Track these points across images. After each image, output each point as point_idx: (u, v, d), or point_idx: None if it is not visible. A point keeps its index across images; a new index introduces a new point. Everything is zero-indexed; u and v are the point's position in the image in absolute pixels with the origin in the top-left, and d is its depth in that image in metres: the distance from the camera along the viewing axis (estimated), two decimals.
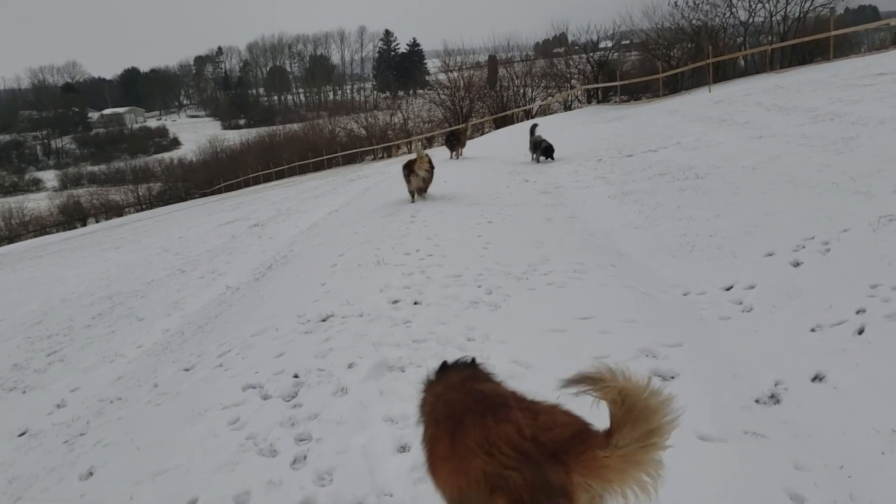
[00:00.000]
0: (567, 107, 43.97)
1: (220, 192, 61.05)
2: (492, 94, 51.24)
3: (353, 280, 7.63)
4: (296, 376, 5.00)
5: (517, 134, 25.70)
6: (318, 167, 53.46)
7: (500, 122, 45.34)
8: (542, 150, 18.06)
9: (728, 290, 6.61)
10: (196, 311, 8.95)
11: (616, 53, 47.61)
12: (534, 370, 4.69)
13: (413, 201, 12.76)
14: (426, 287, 6.94)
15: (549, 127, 25.82)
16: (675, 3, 38.48)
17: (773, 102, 17.24)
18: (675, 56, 40.30)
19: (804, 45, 31.90)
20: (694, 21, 38.47)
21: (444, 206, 12.07)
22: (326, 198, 19.85)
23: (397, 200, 13.69)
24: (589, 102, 43.29)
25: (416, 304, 6.48)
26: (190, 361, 6.28)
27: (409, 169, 12.64)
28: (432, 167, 12.56)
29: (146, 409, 5.31)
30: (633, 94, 41.61)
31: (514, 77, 51.53)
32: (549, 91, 49.81)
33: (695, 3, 37.55)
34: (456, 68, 53.74)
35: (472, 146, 25.13)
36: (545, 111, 45.62)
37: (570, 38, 53.59)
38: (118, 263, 15.07)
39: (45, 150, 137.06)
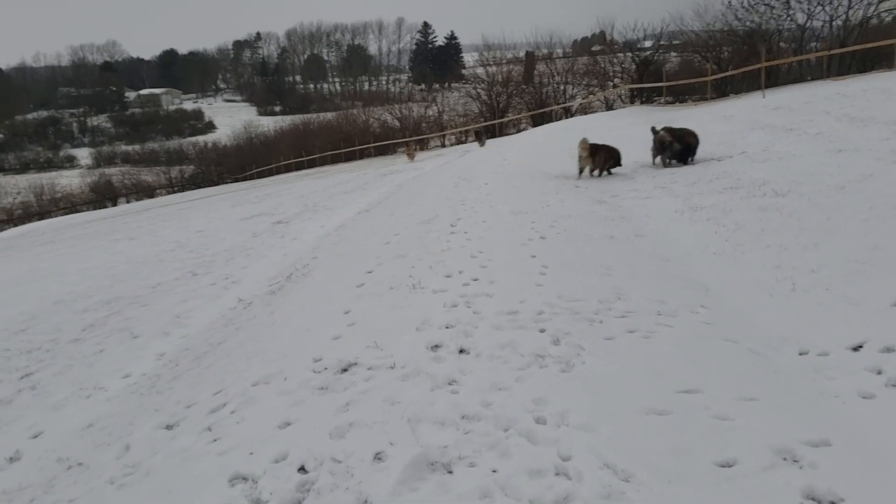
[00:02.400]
0: (609, 106, 42.30)
1: (251, 178, 60.25)
2: (530, 90, 49.65)
3: (383, 310, 6.28)
4: (302, 469, 3.63)
5: (559, 133, 24.21)
6: (349, 157, 52.31)
7: (539, 120, 43.79)
8: (672, 152, 13.93)
9: (857, 350, 5.18)
10: (199, 332, 7.66)
11: (661, 53, 45.66)
12: (638, 486, 3.30)
13: (579, 177, 14.36)
14: (474, 327, 5.57)
15: (594, 127, 24.33)
16: (729, 3, 36.65)
17: (842, 112, 15.62)
18: (725, 58, 38.41)
19: (864, 52, 29.95)
20: (748, 22, 36.62)
21: (487, 213, 10.72)
22: (356, 193, 18.59)
23: (434, 202, 12.35)
24: (632, 102, 41.56)
25: (462, 352, 5.11)
26: (175, 414, 4.98)
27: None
28: (593, 148, 14.24)
29: (105, 491, 4.00)
30: (678, 95, 39.78)
31: (555, 73, 49.80)
32: (591, 89, 48.07)
33: (749, 4, 35.72)
34: (494, 63, 52.23)
35: (509, 144, 23.72)
36: (585, 110, 43.99)
37: (616, 36, 51.82)
38: (127, 259, 13.82)
39: (81, 127, 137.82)
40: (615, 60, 46.79)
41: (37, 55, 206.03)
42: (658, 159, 14.65)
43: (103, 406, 5.85)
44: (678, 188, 11.94)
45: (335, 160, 53.60)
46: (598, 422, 3.90)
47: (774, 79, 32.41)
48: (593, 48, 55.18)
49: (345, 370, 4.95)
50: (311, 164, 55.09)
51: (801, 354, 5.30)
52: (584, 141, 14.17)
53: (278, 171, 57.53)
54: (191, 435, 4.45)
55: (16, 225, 56.22)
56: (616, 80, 46.12)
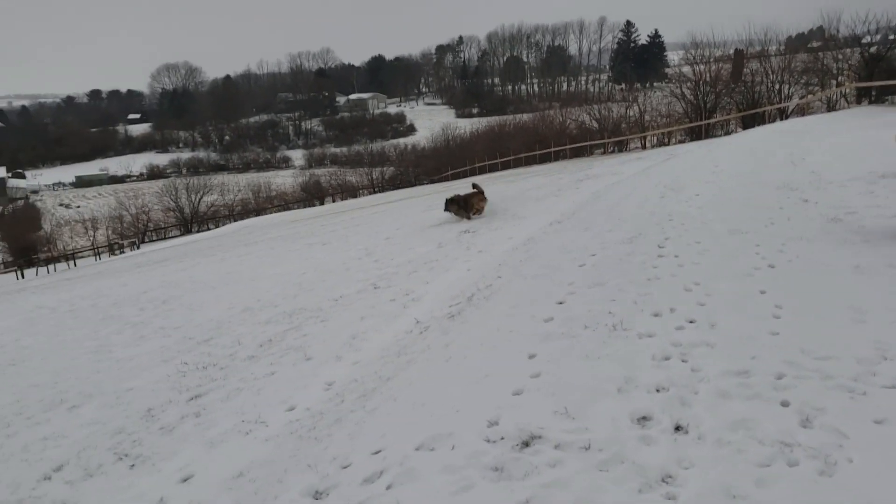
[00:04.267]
0: (831, 106, 38.16)
1: (446, 179, 60.96)
2: (741, 90, 45.99)
3: (575, 359, 5.20)
4: None
5: (776, 136, 21.74)
6: (544, 160, 51.27)
7: (749, 122, 40.43)
8: None
9: None
10: (371, 359, 6.99)
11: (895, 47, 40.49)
12: None
13: None
14: (694, 393, 4.39)
15: (812, 130, 21.66)
16: None
17: None
18: None
19: None
20: None
21: (700, 232, 9.29)
22: (549, 201, 17.51)
23: (636, 216, 11.06)
24: (858, 102, 37.20)
25: (678, 429, 3.97)
26: (327, 476, 4.26)
27: None
28: None
29: None
30: None
31: (770, 72, 45.72)
32: (810, 88, 43.71)
33: None
34: (702, 61, 48.96)
35: (719, 148, 21.62)
36: (803, 111, 40.01)
37: (843, 30, 46.76)
38: (316, 266, 13.68)
39: (296, 130, 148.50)
40: (840, 56, 42.24)
41: (260, 62, 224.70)
42: None
43: (260, 448, 5.27)
44: None
45: (529, 162, 52.83)
46: None
47: None
48: (810, 45, 50.11)
49: (526, 444, 3.97)
50: (505, 167, 54.70)
51: None
52: None
53: (472, 174, 57.70)
54: None
55: (235, 220, 61.67)
56: (841, 77, 41.65)
